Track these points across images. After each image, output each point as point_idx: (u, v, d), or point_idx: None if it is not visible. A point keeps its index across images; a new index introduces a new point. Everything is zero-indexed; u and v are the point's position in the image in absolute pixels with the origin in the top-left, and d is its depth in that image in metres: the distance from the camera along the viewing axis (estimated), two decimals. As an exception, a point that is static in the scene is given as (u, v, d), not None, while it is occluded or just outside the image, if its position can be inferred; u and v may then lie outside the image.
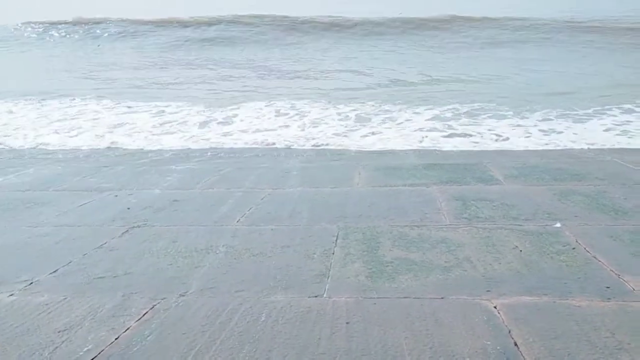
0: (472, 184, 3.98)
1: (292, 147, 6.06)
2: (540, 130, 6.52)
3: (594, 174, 4.14)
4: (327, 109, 8.36)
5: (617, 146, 5.56)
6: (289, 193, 3.91)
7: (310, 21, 18.30)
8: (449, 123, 7.06)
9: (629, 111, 7.45)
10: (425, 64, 13.15)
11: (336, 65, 13.37)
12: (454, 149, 5.69)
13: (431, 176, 4.26)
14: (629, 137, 6.01)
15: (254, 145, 6.19)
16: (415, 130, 6.74)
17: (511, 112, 7.57)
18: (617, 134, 6.20)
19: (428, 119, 7.38)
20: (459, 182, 4.06)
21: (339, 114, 7.95)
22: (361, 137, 6.52)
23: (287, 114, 8.10)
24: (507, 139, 6.13)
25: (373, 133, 6.71)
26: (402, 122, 7.28)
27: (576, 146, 5.63)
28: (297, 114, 8.02)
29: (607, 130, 6.45)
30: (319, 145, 6.08)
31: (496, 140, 6.13)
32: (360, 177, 4.35)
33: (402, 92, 9.93)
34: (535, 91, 9.44)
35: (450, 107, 8.12)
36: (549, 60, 13.06)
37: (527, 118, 7.23)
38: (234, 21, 18.77)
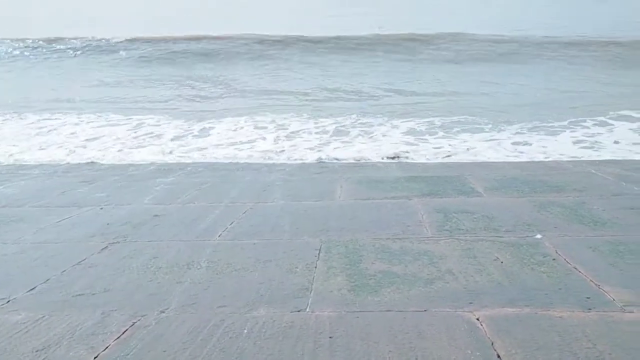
0: (453, 197, 4.02)
1: (272, 160, 6.06)
2: (514, 142, 6.66)
3: (572, 186, 4.20)
4: (306, 122, 8.41)
5: (594, 158, 5.65)
6: (271, 207, 3.90)
7: (286, 39, 18.14)
8: (423, 137, 7.16)
9: (603, 123, 7.63)
10: (404, 78, 13.25)
11: (317, 80, 13.39)
12: (431, 161, 5.75)
13: (413, 189, 4.28)
14: (597, 150, 6.16)
15: (234, 160, 6.17)
16: (392, 144, 6.83)
17: (488, 126, 7.69)
18: (587, 146, 6.35)
19: (404, 132, 7.48)
20: (440, 194, 4.09)
21: (317, 127, 8.01)
22: (335, 148, 6.59)
23: (265, 127, 8.14)
24: (480, 151, 6.23)
25: (351, 144, 6.80)
26: (376, 135, 7.38)
27: (550, 158, 5.74)
28: (276, 128, 8.06)
29: (577, 142, 6.62)
30: (299, 159, 6.09)
31: (468, 150, 6.23)
32: (342, 190, 4.35)
33: (381, 105, 10.04)
34: (510, 104, 9.60)
35: (427, 119, 8.21)
36: (523, 75, 13.23)
37: (503, 131, 7.35)
38: (219, 37, 18.56)
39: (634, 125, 7.45)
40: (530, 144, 6.50)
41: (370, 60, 15.85)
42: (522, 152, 6.12)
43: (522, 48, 16.13)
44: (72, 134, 8.13)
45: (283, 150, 6.58)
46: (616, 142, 6.50)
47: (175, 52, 17.28)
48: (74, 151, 6.91)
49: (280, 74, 14.36)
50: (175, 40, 18.14)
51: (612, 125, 7.56)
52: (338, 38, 18.30)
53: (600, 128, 7.39)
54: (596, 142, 6.57)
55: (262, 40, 18.06)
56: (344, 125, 8.02)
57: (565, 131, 7.28)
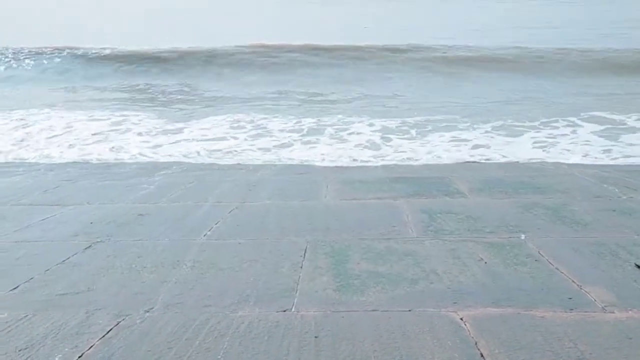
0: (439, 197, 4.05)
1: (257, 160, 6.06)
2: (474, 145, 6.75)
3: (555, 187, 4.26)
4: (286, 122, 8.46)
5: (577, 161, 5.73)
6: (257, 207, 3.90)
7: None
8: (392, 135, 7.25)
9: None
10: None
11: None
12: (416, 163, 5.79)
13: (398, 189, 4.31)
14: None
15: (218, 159, 6.16)
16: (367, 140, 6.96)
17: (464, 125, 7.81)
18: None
19: (376, 130, 7.61)
20: (425, 195, 4.13)
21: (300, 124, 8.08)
22: (311, 148, 6.66)
23: (244, 127, 8.17)
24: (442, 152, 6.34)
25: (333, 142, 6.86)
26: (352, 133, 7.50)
27: (524, 159, 5.86)
28: (254, 127, 8.09)
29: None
30: (279, 160, 6.11)
31: (428, 153, 6.33)
32: (328, 190, 4.37)
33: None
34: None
35: (400, 119, 8.28)
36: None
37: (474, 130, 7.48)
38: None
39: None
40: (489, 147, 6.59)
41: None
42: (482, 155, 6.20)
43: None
44: (51, 131, 8.05)
45: (266, 150, 6.62)
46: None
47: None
48: (63, 149, 6.86)
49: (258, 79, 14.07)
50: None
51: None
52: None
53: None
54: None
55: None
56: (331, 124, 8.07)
57: (542, 130, 7.43)
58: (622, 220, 3.38)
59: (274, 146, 6.92)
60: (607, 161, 5.73)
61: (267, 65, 14.78)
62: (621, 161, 5.68)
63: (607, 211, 3.59)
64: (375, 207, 3.81)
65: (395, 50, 15.53)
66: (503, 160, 5.82)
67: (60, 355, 1.93)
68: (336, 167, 5.60)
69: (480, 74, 13.11)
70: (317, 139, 7.24)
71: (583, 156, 5.99)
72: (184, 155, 6.41)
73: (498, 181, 4.54)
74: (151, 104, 10.82)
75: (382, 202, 3.94)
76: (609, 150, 6.22)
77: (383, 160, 6.01)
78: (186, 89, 12.63)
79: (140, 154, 6.52)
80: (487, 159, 5.86)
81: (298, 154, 6.42)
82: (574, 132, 7.33)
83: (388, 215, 3.59)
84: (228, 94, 11.77)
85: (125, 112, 9.48)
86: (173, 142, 7.25)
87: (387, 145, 6.80)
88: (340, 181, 4.70)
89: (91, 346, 1.99)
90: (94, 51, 15.98)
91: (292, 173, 5.26)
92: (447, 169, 5.29)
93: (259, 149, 6.79)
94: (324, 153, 6.42)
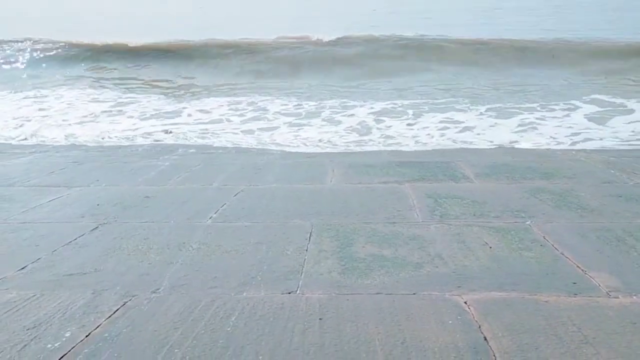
0: (444, 182, 4.05)
1: (262, 144, 6.07)
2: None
3: (561, 173, 4.24)
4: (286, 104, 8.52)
5: (586, 146, 5.71)
6: (262, 190, 3.91)
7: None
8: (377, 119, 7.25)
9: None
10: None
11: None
12: (423, 148, 5.78)
13: (404, 174, 4.31)
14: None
15: (225, 143, 6.17)
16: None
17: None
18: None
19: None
20: (431, 179, 4.12)
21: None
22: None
23: (245, 109, 8.24)
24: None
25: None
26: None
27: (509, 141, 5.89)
28: (254, 110, 8.16)
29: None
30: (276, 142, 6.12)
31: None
32: (333, 174, 4.37)
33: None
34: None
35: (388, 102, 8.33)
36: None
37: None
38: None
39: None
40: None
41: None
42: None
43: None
44: (58, 112, 8.07)
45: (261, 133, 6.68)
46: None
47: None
48: (70, 131, 6.91)
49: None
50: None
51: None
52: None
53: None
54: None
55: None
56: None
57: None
58: (628, 206, 3.37)
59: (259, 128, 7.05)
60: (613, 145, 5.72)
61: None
62: (627, 146, 5.66)
63: (614, 197, 3.57)
64: (380, 191, 3.81)
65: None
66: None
67: (67, 335, 1.95)
68: (343, 150, 5.60)
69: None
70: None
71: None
72: (193, 137, 6.46)
73: (504, 166, 4.53)
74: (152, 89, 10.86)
75: (387, 186, 3.94)
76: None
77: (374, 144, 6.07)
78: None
79: (144, 137, 6.56)
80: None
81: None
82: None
83: (393, 200, 3.60)
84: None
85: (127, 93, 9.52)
86: (180, 126, 7.28)
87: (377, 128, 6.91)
88: (346, 165, 4.70)
89: (98, 325, 2.02)
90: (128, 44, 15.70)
91: (298, 156, 5.26)
92: (453, 153, 5.28)
93: (243, 131, 6.89)
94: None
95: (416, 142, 6.21)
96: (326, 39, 15.05)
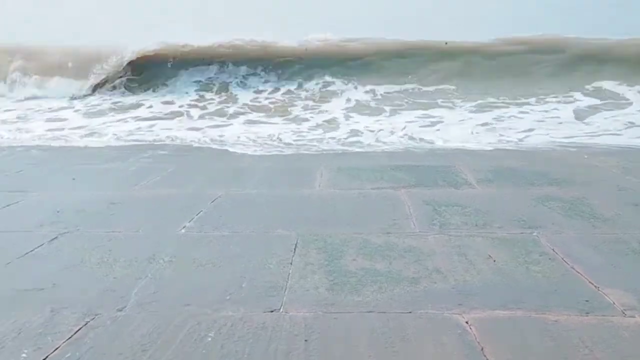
0: (444, 188, 4.06)
1: (245, 144, 6.05)
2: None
3: (573, 178, 4.27)
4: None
5: (596, 147, 5.76)
6: (243, 195, 3.90)
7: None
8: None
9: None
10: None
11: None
12: (420, 149, 5.80)
13: (399, 179, 4.31)
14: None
15: (201, 142, 6.15)
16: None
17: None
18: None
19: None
20: (429, 185, 4.13)
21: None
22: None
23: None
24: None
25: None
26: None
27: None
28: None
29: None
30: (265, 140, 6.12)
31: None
32: (322, 178, 4.37)
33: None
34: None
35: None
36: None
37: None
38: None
39: None
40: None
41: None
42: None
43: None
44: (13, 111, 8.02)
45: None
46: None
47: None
48: (28, 130, 6.85)
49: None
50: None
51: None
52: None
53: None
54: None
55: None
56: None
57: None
58: (645, 216, 3.40)
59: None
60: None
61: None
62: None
63: (630, 205, 3.60)
64: (373, 198, 3.81)
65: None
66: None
67: (22, 357, 1.92)
68: (332, 151, 5.60)
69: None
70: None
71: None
72: (167, 136, 6.46)
73: (509, 170, 4.55)
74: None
75: (381, 193, 3.94)
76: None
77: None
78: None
79: (111, 136, 6.53)
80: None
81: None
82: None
83: (388, 207, 3.60)
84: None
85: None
86: (153, 124, 7.28)
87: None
88: (336, 168, 4.69)
89: (56, 348, 1.99)
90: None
91: (282, 158, 5.26)
92: (453, 156, 5.30)
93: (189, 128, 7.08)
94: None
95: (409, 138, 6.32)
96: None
